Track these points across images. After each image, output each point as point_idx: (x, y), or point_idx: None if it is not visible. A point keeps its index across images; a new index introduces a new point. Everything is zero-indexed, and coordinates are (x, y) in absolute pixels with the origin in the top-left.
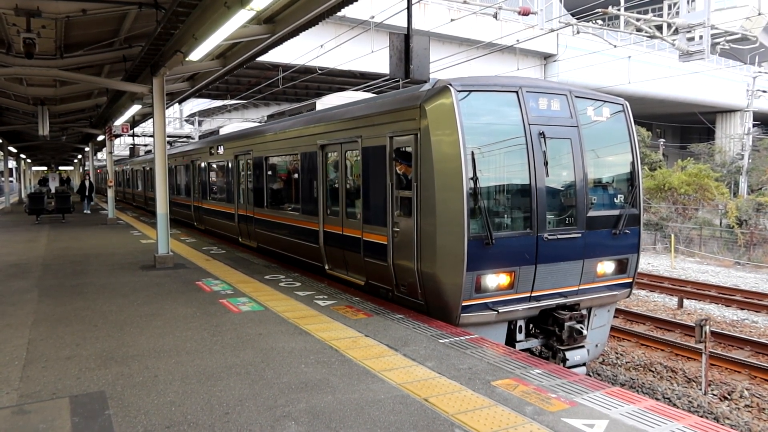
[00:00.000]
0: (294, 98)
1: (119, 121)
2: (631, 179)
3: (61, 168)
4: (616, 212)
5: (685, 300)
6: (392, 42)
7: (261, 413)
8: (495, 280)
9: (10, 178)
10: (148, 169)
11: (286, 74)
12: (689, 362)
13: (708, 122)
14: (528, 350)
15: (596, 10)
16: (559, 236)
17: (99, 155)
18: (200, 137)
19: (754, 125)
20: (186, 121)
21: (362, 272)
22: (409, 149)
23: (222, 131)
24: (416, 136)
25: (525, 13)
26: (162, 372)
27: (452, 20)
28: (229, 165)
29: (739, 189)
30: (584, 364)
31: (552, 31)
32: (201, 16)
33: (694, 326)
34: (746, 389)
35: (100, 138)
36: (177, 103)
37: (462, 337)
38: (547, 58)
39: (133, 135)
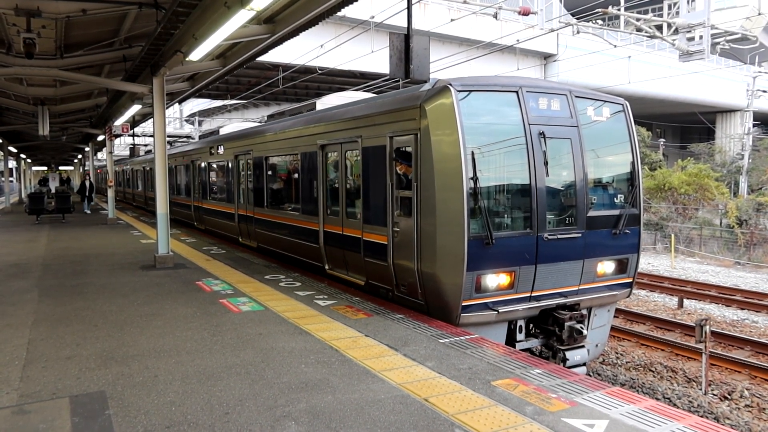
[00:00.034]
0: (294, 98)
1: (119, 121)
2: (631, 179)
3: (61, 168)
4: (616, 212)
5: (685, 300)
6: (392, 42)
7: (261, 413)
8: (495, 280)
9: (10, 178)
10: (148, 169)
11: (286, 74)
12: (689, 362)
13: (708, 122)
14: (528, 350)
15: (596, 10)
16: (559, 236)
17: (99, 155)
18: (200, 137)
19: (754, 125)
20: (186, 121)
21: (362, 272)
22: (409, 149)
23: (222, 131)
24: (416, 136)
25: (525, 13)
26: (162, 372)
27: (452, 20)
28: (229, 165)
29: (739, 189)
30: (584, 364)
31: (552, 31)
32: (201, 16)
33: (694, 326)
34: (746, 389)
35: (100, 138)
36: (177, 103)
37: (462, 337)
38: (547, 58)
39: (133, 135)
